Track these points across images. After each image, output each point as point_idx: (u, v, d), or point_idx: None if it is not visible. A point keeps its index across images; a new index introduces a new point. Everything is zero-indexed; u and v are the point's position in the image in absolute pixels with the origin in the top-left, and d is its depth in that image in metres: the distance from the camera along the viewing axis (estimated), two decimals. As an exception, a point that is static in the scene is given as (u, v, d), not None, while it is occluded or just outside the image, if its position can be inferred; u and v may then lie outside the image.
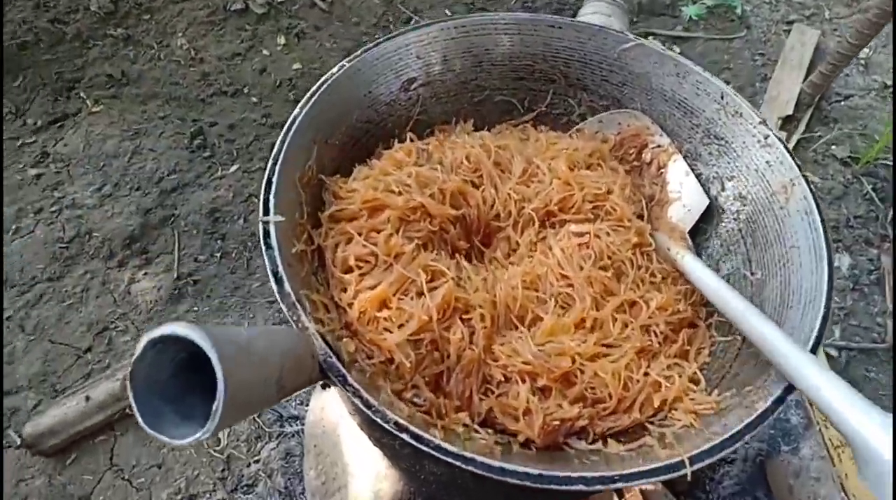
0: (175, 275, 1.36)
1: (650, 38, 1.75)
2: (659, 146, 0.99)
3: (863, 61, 1.70)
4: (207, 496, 1.11)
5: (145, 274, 1.37)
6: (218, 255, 1.40)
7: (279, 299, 0.69)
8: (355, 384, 0.65)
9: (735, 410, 0.70)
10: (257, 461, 1.14)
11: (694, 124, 0.95)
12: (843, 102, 1.64)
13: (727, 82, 1.67)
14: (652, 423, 0.76)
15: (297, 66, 1.71)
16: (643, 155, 1.00)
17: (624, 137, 1.01)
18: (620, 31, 0.96)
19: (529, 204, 0.89)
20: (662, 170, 0.98)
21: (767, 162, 0.87)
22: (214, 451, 1.14)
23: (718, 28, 1.78)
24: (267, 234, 0.73)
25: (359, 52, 0.91)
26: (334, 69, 0.89)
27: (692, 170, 0.97)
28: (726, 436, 0.65)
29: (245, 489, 1.11)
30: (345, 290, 0.78)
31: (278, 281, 0.70)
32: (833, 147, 1.55)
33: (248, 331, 0.57)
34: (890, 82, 1.67)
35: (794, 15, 1.82)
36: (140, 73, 1.68)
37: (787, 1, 1.83)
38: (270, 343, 0.56)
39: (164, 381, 0.52)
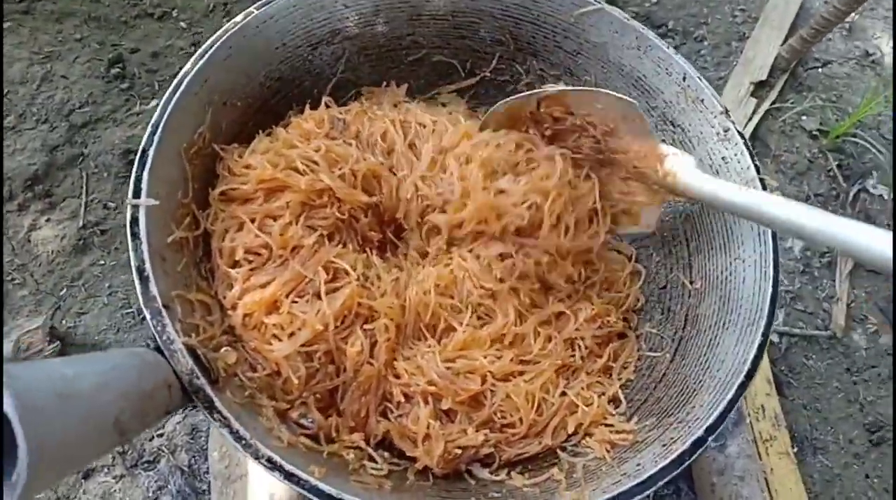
0: (81, 223, 1.24)
1: (625, -16, 1.60)
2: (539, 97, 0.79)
3: (847, 25, 1.58)
4: (105, 471, 1.03)
5: (48, 220, 1.24)
6: (131, 201, 1.27)
7: (142, 304, 0.59)
8: (224, 412, 0.57)
9: (652, 446, 0.64)
10: (161, 436, 1.06)
11: (651, 106, 0.85)
12: (820, 69, 1.54)
13: (703, 39, 1.56)
14: (564, 449, 0.69)
15: (233, -13, 1.53)
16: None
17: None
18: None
19: (432, 211, 0.75)
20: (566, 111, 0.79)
21: (724, 158, 0.78)
22: (113, 422, 1.05)
23: (700, -24, 1.64)
24: (135, 220, 0.63)
25: (271, -3, 0.78)
26: (239, 17, 0.76)
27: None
28: (637, 482, 0.59)
29: (146, 465, 1.03)
30: (230, 286, 0.68)
31: (143, 280, 0.60)
32: (803, 118, 1.45)
33: (76, 365, 0.47)
34: (873, 51, 1.57)
35: (781, -32, 1.68)
36: (56, -14, 1.49)
37: (775, -50, 1.68)
38: (103, 381, 0.47)
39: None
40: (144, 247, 0.61)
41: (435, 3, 0.86)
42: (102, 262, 1.22)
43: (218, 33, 0.74)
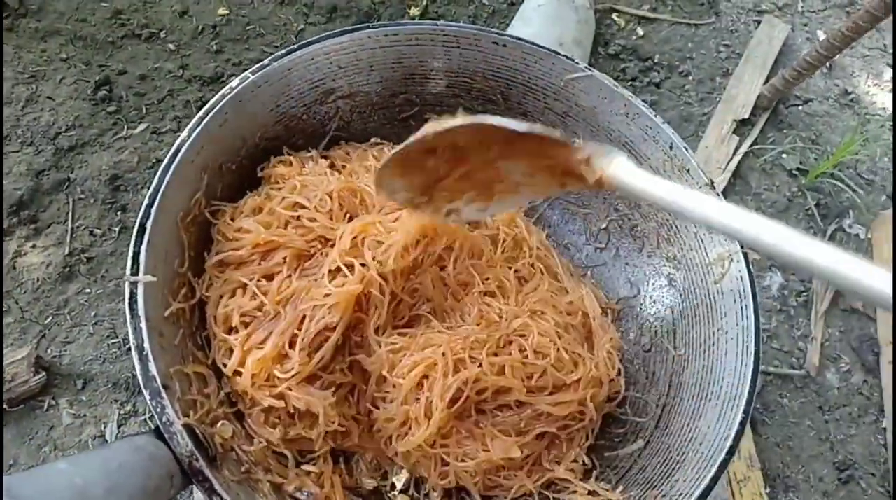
0: (67, 250, 1.23)
1: (614, 14, 1.62)
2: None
3: (828, 63, 1.61)
4: None
5: (34, 247, 1.23)
6: (116, 229, 1.27)
7: (141, 384, 0.60)
8: (224, 495, 0.58)
9: (639, 520, 0.66)
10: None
11: (637, 170, 0.87)
12: (801, 107, 1.57)
13: (688, 74, 1.58)
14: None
15: (223, 10, 1.52)
16: None
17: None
18: (571, 58, 0.85)
19: None
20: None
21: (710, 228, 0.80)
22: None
23: (687, 11, 1.65)
24: (133, 297, 0.64)
25: (266, 61, 0.79)
26: (234, 82, 0.77)
27: (627, 219, 0.90)
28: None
29: None
30: (230, 353, 0.69)
31: (142, 360, 0.61)
32: (783, 156, 1.49)
33: (85, 470, 0.48)
34: (851, 89, 1.61)
35: (766, 4, 1.70)
36: (42, 4, 1.47)
37: (760, -14, 1.72)
38: (112, 485, 0.48)
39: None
40: (143, 325, 0.62)
41: (430, 65, 0.88)
42: (88, 290, 1.22)
43: (214, 100, 0.75)
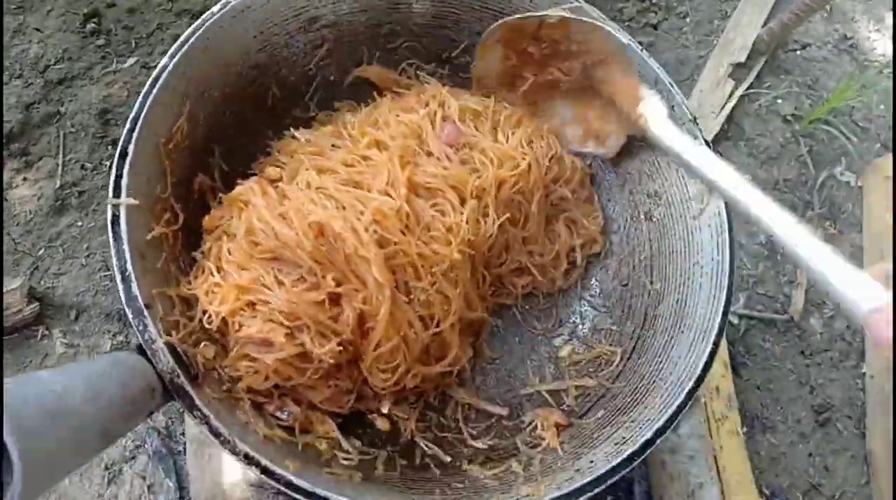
0: (58, 183, 1.24)
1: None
2: (543, 20, 0.82)
3: (828, 7, 1.59)
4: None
5: (25, 179, 1.24)
6: (107, 163, 1.27)
7: (123, 304, 0.62)
8: (204, 410, 0.60)
9: (603, 445, 0.69)
10: (139, 400, 1.10)
11: (623, 107, 0.86)
12: (798, 52, 1.55)
13: (685, 15, 1.56)
14: (522, 435, 0.74)
15: (213, -59, 1.49)
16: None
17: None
18: (559, -10, 0.84)
19: None
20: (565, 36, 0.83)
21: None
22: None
23: (687, -51, 1.62)
24: (115, 220, 0.64)
25: (249, -15, 0.78)
26: (215, 7, 0.76)
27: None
28: (589, 479, 0.63)
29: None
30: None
31: (125, 280, 0.62)
32: (778, 101, 1.48)
33: (66, 377, 0.50)
34: (851, 34, 1.58)
35: (768, -55, 1.67)
36: (27, -69, 1.44)
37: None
38: (92, 393, 0.50)
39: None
40: (126, 247, 0.63)
41: (414, -3, 0.87)
42: (80, 223, 1.23)
43: (195, 24, 0.74)
